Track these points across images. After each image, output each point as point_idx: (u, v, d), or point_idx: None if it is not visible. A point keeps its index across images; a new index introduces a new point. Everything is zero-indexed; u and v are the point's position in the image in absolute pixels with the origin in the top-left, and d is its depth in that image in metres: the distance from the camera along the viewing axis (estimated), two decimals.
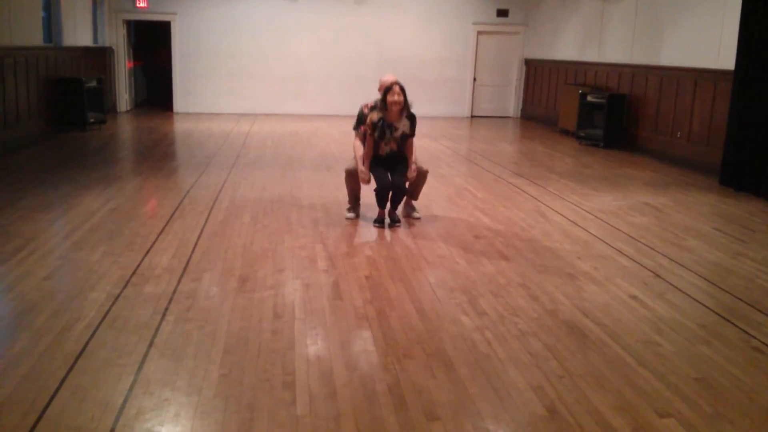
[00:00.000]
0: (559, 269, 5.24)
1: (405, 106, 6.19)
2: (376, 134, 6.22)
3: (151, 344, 3.72)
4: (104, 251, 5.33)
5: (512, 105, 17.15)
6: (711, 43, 9.53)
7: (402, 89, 6.14)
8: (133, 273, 4.85)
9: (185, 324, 4.01)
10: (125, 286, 4.58)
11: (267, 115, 15.76)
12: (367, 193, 6.65)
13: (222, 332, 3.91)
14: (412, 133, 6.32)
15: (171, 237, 5.78)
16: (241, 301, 4.40)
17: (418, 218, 6.61)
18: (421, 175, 6.54)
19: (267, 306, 4.33)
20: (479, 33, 16.59)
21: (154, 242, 5.61)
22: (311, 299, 4.49)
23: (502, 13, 16.55)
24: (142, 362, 3.51)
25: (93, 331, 3.87)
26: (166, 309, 4.22)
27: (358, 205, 6.70)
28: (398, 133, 6.26)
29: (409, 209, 6.72)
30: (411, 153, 6.40)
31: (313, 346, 3.80)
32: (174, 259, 5.19)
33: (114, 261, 5.10)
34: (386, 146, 6.30)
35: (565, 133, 13.51)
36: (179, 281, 4.72)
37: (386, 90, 6.16)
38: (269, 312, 4.24)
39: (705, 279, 5.11)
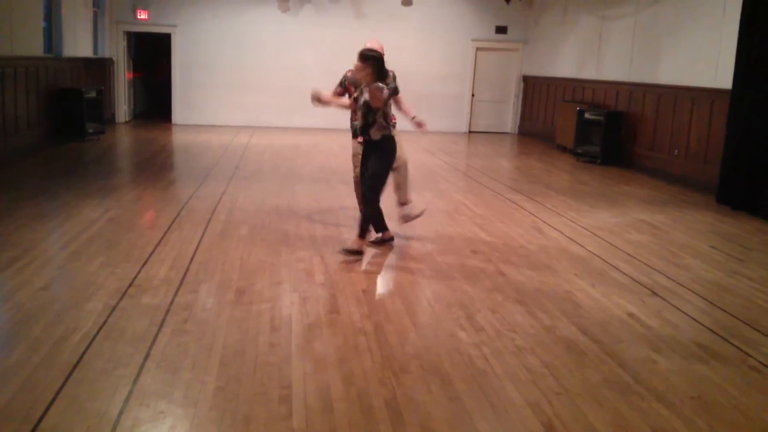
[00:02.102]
0: (557, 285, 5.24)
1: (375, 76, 5.63)
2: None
3: (147, 356, 3.71)
4: (102, 262, 5.32)
5: (510, 121, 17.22)
6: (709, 62, 9.60)
7: (361, 56, 5.66)
8: (131, 284, 4.84)
9: (182, 336, 4.00)
10: (122, 297, 4.58)
11: (266, 128, 15.79)
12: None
13: (219, 344, 3.90)
14: (371, 102, 5.65)
15: (168, 248, 5.78)
16: (238, 314, 4.39)
17: (419, 215, 6.46)
18: (402, 166, 6.27)
19: (264, 319, 4.33)
20: (478, 49, 16.69)
21: (151, 253, 5.60)
22: (308, 313, 4.48)
23: (501, 30, 16.66)
24: (139, 374, 3.50)
25: (89, 341, 3.86)
26: (163, 320, 4.21)
27: None
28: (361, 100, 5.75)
29: (406, 211, 6.46)
30: (406, 108, 6.25)
31: (310, 359, 3.80)
32: (171, 271, 5.18)
33: (111, 272, 5.10)
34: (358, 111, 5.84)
35: (563, 149, 13.56)
36: (176, 293, 4.71)
37: None
38: (266, 325, 4.23)
39: (702, 297, 5.12)
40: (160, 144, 12.65)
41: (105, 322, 4.15)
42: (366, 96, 5.67)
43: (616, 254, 6.18)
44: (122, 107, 15.65)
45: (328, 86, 6.73)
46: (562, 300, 4.92)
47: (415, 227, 6.83)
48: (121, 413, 3.11)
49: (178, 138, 13.75)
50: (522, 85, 16.91)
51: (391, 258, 5.87)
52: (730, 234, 7.18)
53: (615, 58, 12.42)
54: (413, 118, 6.13)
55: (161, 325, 4.13)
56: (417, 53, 16.25)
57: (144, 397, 3.27)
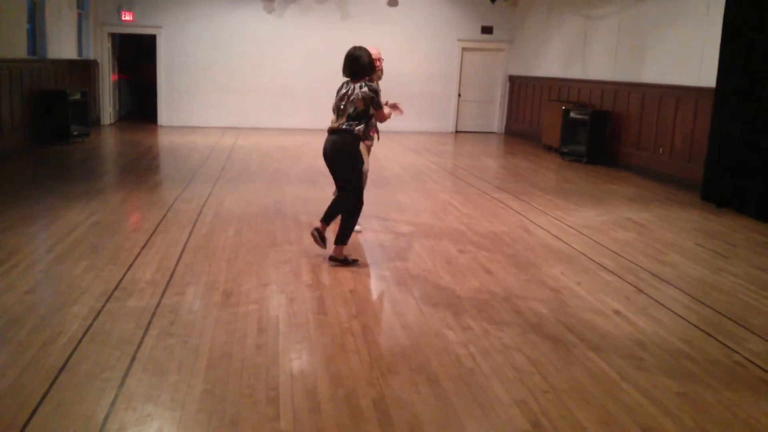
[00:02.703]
0: (543, 284, 5.27)
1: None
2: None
3: (133, 359, 3.69)
4: (87, 265, 5.29)
5: (496, 121, 17.27)
6: (693, 60, 9.67)
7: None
8: (116, 287, 4.82)
9: (168, 338, 3.98)
10: (108, 300, 4.55)
11: (253, 129, 15.75)
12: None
13: (205, 347, 3.89)
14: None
15: (154, 251, 5.75)
16: (224, 316, 4.38)
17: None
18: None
19: (251, 320, 4.32)
20: (464, 49, 16.72)
21: (137, 256, 5.57)
22: (295, 314, 4.48)
23: (487, 30, 16.70)
24: (125, 377, 3.48)
25: (75, 345, 3.83)
26: (149, 323, 4.19)
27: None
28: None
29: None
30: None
31: (297, 360, 3.79)
32: (157, 273, 5.16)
33: (97, 275, 5.07)
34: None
35: (549, 148, 13.61)
36: (162, 295, 4.69)
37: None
38: (253, 326, 4.22)
39: (687, 294, 5.16)
40: (146, 146, 12.59)
41: (91, 325, 4.13)
42: None
43: (601, 252, 6.21)
44: (107, 109, 15.56)
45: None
46: (548, 298, 4.94)
47: (402, 227, 6.84)
48: (107, 417, 3.09)
49: (164, 140, 13.68)
50: (508, 84, 16.95)
51: (377, 258, 5.88)
52: (715, 231, 7.23)
53: (600, 57, 12.49)
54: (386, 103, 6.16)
55: (147, 328, 4.11)
56: (403, 54, 16.25)
57: (130, 400, 3.25)
